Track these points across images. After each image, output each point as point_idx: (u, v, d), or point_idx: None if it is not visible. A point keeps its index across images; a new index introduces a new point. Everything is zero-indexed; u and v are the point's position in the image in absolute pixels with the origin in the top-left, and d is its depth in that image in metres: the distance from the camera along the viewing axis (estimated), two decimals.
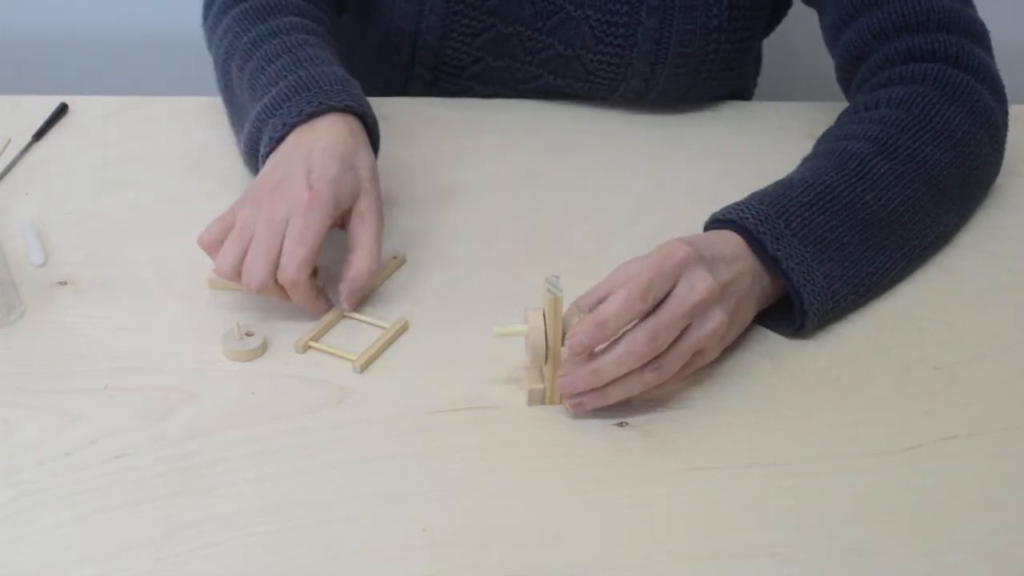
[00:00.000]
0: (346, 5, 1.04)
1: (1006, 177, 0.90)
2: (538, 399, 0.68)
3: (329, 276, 0.77)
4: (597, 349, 0.64)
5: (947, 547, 0.59)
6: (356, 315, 0.75)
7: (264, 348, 0.72)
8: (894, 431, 0.67)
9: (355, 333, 0.74)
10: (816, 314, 0.72)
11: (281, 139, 0.77)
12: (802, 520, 0.61)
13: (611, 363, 0.64)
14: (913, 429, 0.67)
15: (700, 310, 0.65)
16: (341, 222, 0.76)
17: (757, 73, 1.11)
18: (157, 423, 0.66)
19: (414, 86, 1.05)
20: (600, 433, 0.66)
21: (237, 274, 0.71)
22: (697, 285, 0.65)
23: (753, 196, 0.75)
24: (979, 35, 0.88)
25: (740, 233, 0.71)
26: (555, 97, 1.03)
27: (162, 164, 0.93)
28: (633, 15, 0.94)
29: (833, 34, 0.92)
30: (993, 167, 0.88)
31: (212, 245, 0.72)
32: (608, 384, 0.65)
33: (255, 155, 0.81)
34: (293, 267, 0.70)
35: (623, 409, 0.67)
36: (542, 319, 0.65)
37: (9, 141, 0.96)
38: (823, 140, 0.84)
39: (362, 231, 0.75)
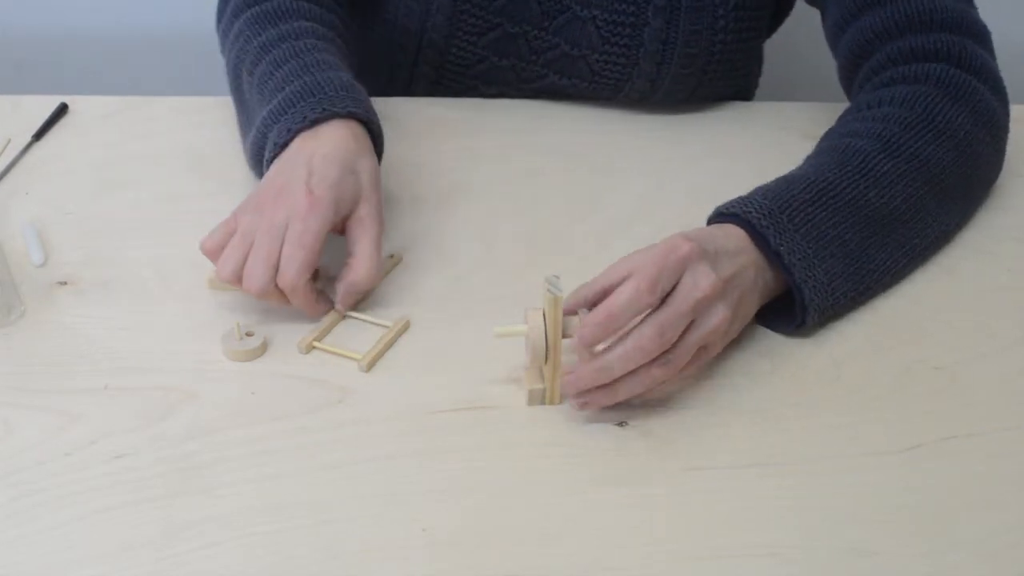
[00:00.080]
0: (352, 3, 1.04)
1: (1006, 177, 0.90)
2: (538, 399, 0.68)
3: (329, 278, 0.77)
4: (600, 347, 0.64)
5: (947, 547, 0.59)
6: (358, 315, 0.75)
7: (264, 348, 0.72)
8: (894, 431, 0.67)
9: (357, 333, 0.74)
10: (817, 310, 0.72)
11: (285, 144, 0.77)
12: (802, 520, 0.61)
13: (619, 359, 0.63)
14: (913, 429, 0.67)
15: (704, 306, 0.65)
16: (341, 228, 0.76)
17: (759, 73, 1.11)
18: (157, 423, 0.66)
19: (418, 84, 1.05)
20: (600, 433, 0.66)
21: (238, 279, 0.71)
22: (700, 281, 0.65)
23: (756, 191, 0.75)
24: (981, 35, 0.88)
25: (743, 227, 0.71)
26: (559, 97, 1.03)
27: (162, 164, 0.93)
28: (639, 15, 0.95)
29: (835, 33, 0.93)
30: (994, 167, 0.88)
31: (214, 251, 0.72)
32: (615, 381, 0.64)
33: (260, 160, 0.81)
34: (292, 272, 0.70)
35: (623, 409, 0.67)
36: (542, 319, 0.65)
37: (9, 141, 0.96)
38: (826, 138, 0.84)
39: (362, 236, 0.75)
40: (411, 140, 0.96)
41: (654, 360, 0.64)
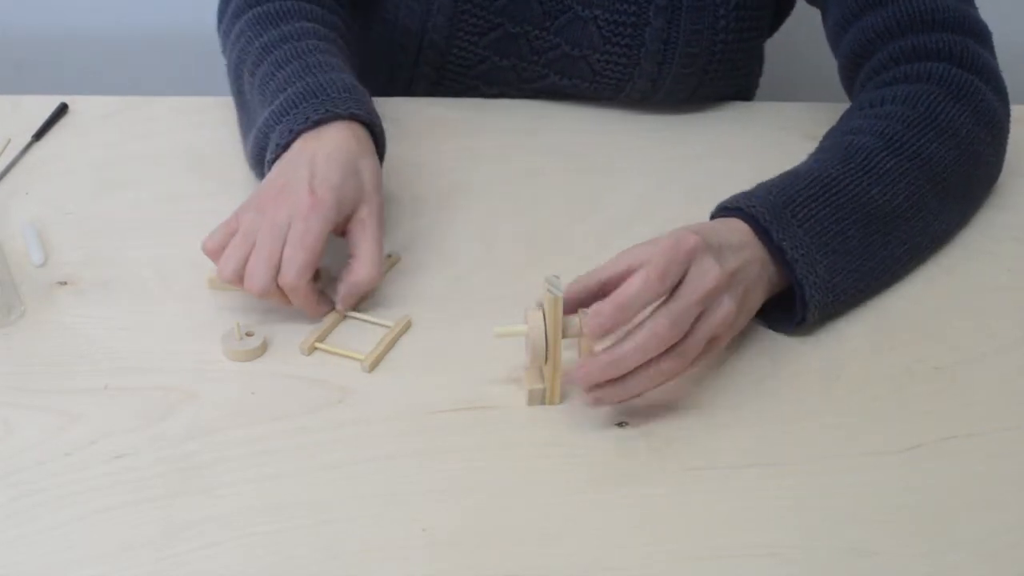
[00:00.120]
0: (353, 3, 1.04)
1: (1006, 177, 0.90)
2: (538, 399, 0.68)
3: (330, 278, 0.77)
4: (608, 341, 0.64)
5: (947, 547, 0.59)
6: (359, 315, 0.75)
7: (264, 348, 0.72)
8: (894, 431, 0.67)
9: (358, 333, 0.74)
10: (817, 307, 0.72)
11: (287, 146, 0.77)
12: (802, 520, 0.61)
13: (632, 351, 0.63)
14: (913, 429, 0.67)
15: (712, 298, 0.65)
16: (342, 229, 0.76)
17: (760, 73, 1.11)
18: (157, 423, 0.66)
19: (419, 84, 1.05)
20: (600, 433, 0.66)
21: (240, 279, 0.71)
22: (707, 273, 0.65)
23: (760, 186, 0.75)
24: (982, 35, 0.88)
25: (747, 221, 0.71)
26: (560, 97, 1.03)
27: (162, 164, 0.93)
28: (641, 15, 0.95)
29: (837, 33, 0.93)
30: (995, 167, 0.88)
31: (216, 251, 0.72)
32: (628, 375, 0.64)
33: (261, 161, 0.81)
34: (293, 272, 0.70)
35: (623, 409, 0.67)
36: (542, 319, 0.65)
37: (9, 141, 0.96)
38: (828, 136, 0.84)
39: (363, 238, 0.75)
40: (411, 140, 0.96)
41: (666, 353, 0.64)
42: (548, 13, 0.97)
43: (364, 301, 0.76)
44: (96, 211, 0.87)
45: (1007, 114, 0.87)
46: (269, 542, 0.59)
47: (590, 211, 0.88)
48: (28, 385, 0.69)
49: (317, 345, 0.72)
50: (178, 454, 0.64)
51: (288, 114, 0.78)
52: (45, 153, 0.95)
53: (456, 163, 0.94)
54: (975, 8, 0.90)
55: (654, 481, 0.63)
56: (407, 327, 0.74)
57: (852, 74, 0.92)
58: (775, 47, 1.10)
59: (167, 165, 0.93)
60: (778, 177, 0.76)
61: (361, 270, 0.74)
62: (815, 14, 0.97)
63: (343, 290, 0.74)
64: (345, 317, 0.75)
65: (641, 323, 0.63)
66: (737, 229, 0.71)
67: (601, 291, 0.66)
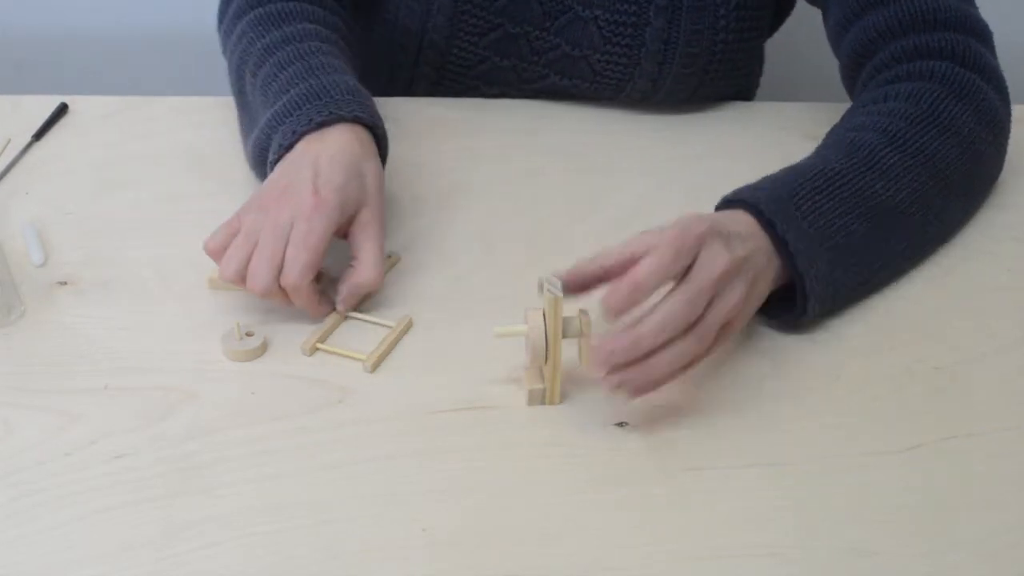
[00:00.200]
0: (354, 4, 1.04)
1: (1006, 177, 0.91)
2: (538, 399, 0.68)
3: (331, 279, 0.77)
4: (617, 351, 0.63)
5: (947, 547, 0.59)
6: (360, 316, 0.75)
7: (264, 348, 0.72)
8: (894, 431, 0.67)
9: (359, 334, 0.74)
10: (818, 300, 0.71)
11: (290, 147, 0.77)
12: (802, 520, 0.61)
13: (650, 330, 0.62)
14: (913, 429, 0.67)
15: (724, 282, 0.65)
16: (344, 231, 0.76)
17: (760, 73, 1.12)
18: (157, 423, 0.66)
19: (419, 84, 1.05)
20: (600, 433, 0.66)
21: (242, 279, 0.71)
22: (718, 258, 0.65)
23: (764, 179, 0.75)
24: (984, 35, 0.88)
25: (751, 213, 0.71)
26: (561, 97, 1.03)
27: (162, 164, 0.93)
28: (641, 15, 0.95)
29: (838, 33, 0.93)
30: (996, 166, 0.89)
31: (217, 251, 0.72)
32: (650, 357, 0.63)
33: (263, 161, 0.81)
34: (296, 272, 0.70)
35: (623, 409, 0.67)
36: (542, 319, 0.65)
37: (9, 141, 0.96)
38: (832, 133, 0.84)
39: (366, 240, 0.75)
40: (411, 140, 0.96)
41: (683, 335, 0.63)
42: (548, 13, 0.97)
43: (364, 301, 0.76)
44: (96, 211, 0.87)
45: (1008, 114, 0.87)
46: (269, 542, 0.59)
47: (590, 211, 0.88)
48: (28, 385, 0.69)
49: (319, 346, 0.72)
50: (178, 454, 0.64)
51: (291, 115, 0.78)
52: (45, 153, 0.95)
53: (456, 163, 0.94)
54: (976, 8, 0.90)
55: (654, 481, 0.63)
56: (408, 327, 0.74)
57: (854, 74, 0.92)
58: (775, 47, 1.10)
59: (167, 165, 0.93)
60: (782, 171, 0.76)
61: (364, 272, 0.74)
62: (815, 14, 0.97)
63: (344, 291, 0.74)
64: (346, 318, 0.75)
65: (656, 306, 0.63)
66: (743, 220, 0.70)
67: (604, 277, 0.65)
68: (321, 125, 0.77)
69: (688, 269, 0.64)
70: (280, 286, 0.71)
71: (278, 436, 0.66)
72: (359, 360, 0.71)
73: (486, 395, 0.69)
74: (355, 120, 0.78)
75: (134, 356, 0.72)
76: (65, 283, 0.78)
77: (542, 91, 1.03)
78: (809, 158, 0.79)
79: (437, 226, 0.86)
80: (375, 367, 0.71)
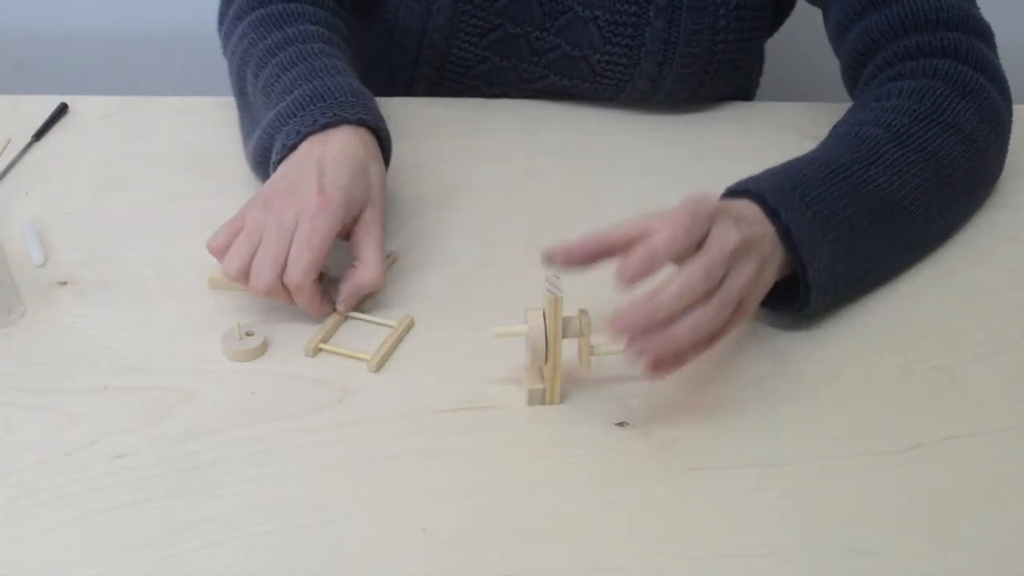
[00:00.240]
0: (354, 4, 1.04)
1: (1006, 177, 0.90)
2: (538, 399, 0.68)
3: (332, 279, 0.77)
4: (636, 314, 0.62)
5: (947, 547, 0.59)
6: (362, 316, 0.75)
7: (264, 348, 0.72)
8: (894, 431, 0.67)
9: (361, 334, 0.74)
10: (820, 291, 0.71)
11: (294, 147, 0.77)
12: (802, 520, 0.61)
13: (670, 296, 0.62)
14: (913, 429, 0.67)
15: (736, 257, 0.65)
16: (346, 231, 0.76)
17: (760, 73, 1.12)
18: (157, 423, 0.66)
19: (419, 84, 1.05)
20: (600, 433, 0.66)
21: (245, 276, 0.71)
22: (730, 234, 0.65)
23: (767, 171, 0.75)
24: (986, 35, 0.88)
25: (756, 202, 0.71)
26: (561, 97, 1.03)
27: (162, 164, 0.93)
28: (641, 15, 0.95)
29: (839, 33, 0.92)
30: (998, 165, 0.89)
31: (220, 250, 0.72)
32: (670, 327, 0.62)
33: (265, 161, 0.81)
34: (299, 271, 0.70)
35: (623, 409, 0.67)
36: (542, 319, 0.65)
37: (9, 141, 0.96)
38: (835, 128, 0.84)
39: (368, 242, 0.75)
40: (411, 140, 0.96)
41: (702, 302, 0.63)
42: (548, 14, 0.97)
43: (365, 302, 0.76)
44: (96, 211, 0.87)
45: (1010, 114, 0.87)
46: (269, 542, 0.59)
47: (590, 211, 0.88)
48: (28, 385, 0.69)
49: (322, 346, 0.72)
50: (178, 454, 0.64)
51: (295, 116, 0.78)
52: (45, 153, 0.95)
53: (456, 163, 0.94)
54: (977, 8, 0.90)
55: (654, 481, 0.63)
56: (410, 326, 0.74)
57: (855, 73, 0.92)
58: (775, 47, 1.10)
59: (167, 165, 0.93)
60: (784, 163, 0.76)
61: (366, 273, 0.74)
62: (815, 14, 0.97)
63: (346, 291, 0.74)
64: (347, 318, 0.75)
65: (671, 277, 0.62)
66: (748, 207, 0.70)
67: (611, 252, 0.65)
68: (325, 126, 0.77)
69: (699, 246, 0.64)
70: (283, 285, 0.71)
71: (278, 436, 0.66)
72: (363, 360, 0.71)
73: (486, 395, 0.69)
74: (359, 122, 0.78)
75: (134, 356, 0.72)
76: (65, 283, 0.78)
77: (542, 91, 1.03)
78: (812, 151, 0.79)
79: (437, 226, 0.86)
80: (379, 367, 0.71)
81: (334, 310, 0.75)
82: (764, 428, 0.67)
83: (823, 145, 0.81)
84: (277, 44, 0.85)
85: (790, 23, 1.05)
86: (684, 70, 0.97)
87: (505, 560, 0.58)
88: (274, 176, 0.76)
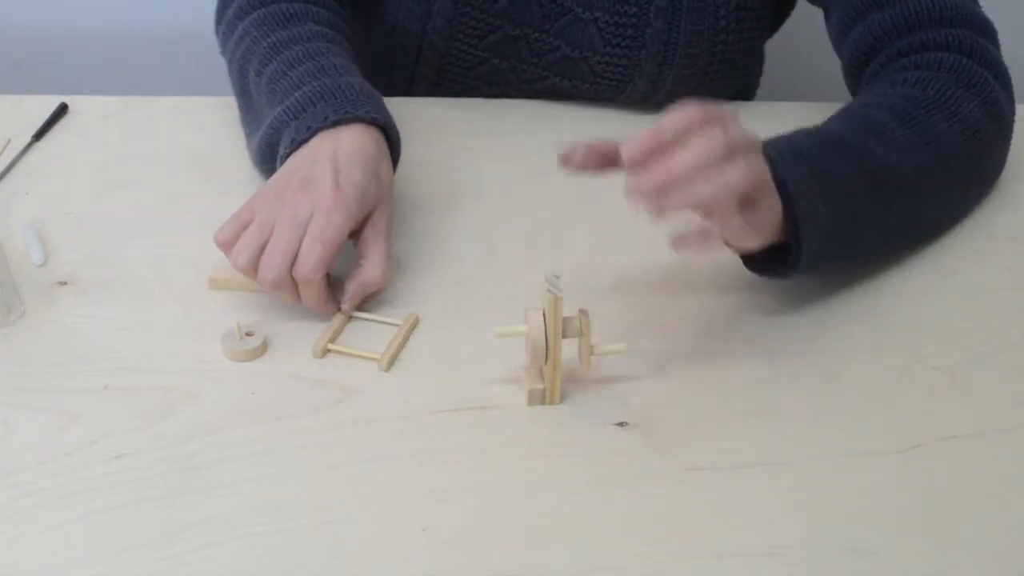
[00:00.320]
0: (354, 4, 1.04)
1: (1007, 176, 0.90)
2: (538, 399, 0.68)
3: (334, 280, 0.77)
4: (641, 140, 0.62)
5: (947, 547, 0.59)
6: (366, 315, 0.75)
7: (264, 348, 0.72)
8: (894, 431, 0.67)
9: (364, 334, 0.74)
10: (811, 253, 0.70)
11: (303, 141, 0.77)
12: (802, 520, 0.61)
13: (686, 154, 0.60)
14: (913, 429, 0.67)
15: (742, 145, 0.63)
16: (356, 229, 0.75)
17: (760, 73, 1.12)
18: (157, 423, 0.66)
19: (419, 85, 1.05)
20: (600, 433, 0.66)
21: (253, 268, 0.71)
22: (738, 126, 0.63)
23: (769, 139, 0.73)
24: (989, 32, 0.88)
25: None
26: (561, 98, 1.03)
27: (162, 164, 0.93)
28: (641, 16, 0.95)
29: (842, 31, 0.92)
30: (999, 161, 0.89)
31: (228, 243, 0.72)
32: (674, 154, 0.61)
33: (271, 156, 0.81)
34: (310, 264, 0.70)
35: (623, 409, 0.67)
36: (542, 319, 0.65)
37: (9, 141, 0.96)
38: (840, 110, 0.83)
39: (375, 241, 0.75)
40: (411, 140, 0.95)
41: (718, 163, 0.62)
42: (548, 15, 0.97)
43: (367, 302, 0.76)
44: (96, 211, 0.87)
45: (1012, 111, 0.88)
46: (269, 542, 0.59)
47: (590, 211, 0.88)
48: (28, 385, 0.69)
49: (330, 347, 0.72)
50: (178, 454, 0.64)
51: (304, 112, 0.78)
52: (45, 153, 0.95)
53: (456, 163, 0.94)
54: (979, 7, 0.90)
55: (654, 481, 0.63)
56: (415, 324, 0.74)
57: (857, 72, 0.92)
58: (775, 47, 1.10)
59: (167, 165, 0.93)
60: (784, 134, 0.75)
61: (372, 271, 0.74)
62: (815, 14, 0.97)
63: (352, 290, 0.74)
64: (351, 318, 0.75)
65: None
66: None
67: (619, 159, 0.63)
68: (336, 123, 0.77)
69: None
70: (291, 279, 0.71)
71: (278, 436, 0.66)
72: (372, 360, 0.71)
73: (486, 395, 0.69)
74: (371, 121, 0.78)
75: (134, 356, 0.72)
76: (65, 283, 0.78)
77: (542, 92, 1.03)
78: (813, 126, 0.79)
79: (437, 226, 0.86)
80: (389, 365, 0.71)
81: (338, 309, 0.75)
82: (764, 428, 0.67)
83: (825, 122, 0.80)
84: (281, 42, 0.85)
85: (790, 23, 1.05)
86: (684, 71, 0.97)
87: (505, 560, 0.58)
88: (284, 168, 0.76)
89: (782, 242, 0.70)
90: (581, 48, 0.98)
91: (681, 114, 0.62)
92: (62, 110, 1.01)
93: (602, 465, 0.64)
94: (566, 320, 0.65)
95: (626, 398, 0.68)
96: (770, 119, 1.02)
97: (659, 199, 0.61)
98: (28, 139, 0.96)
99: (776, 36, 1.07)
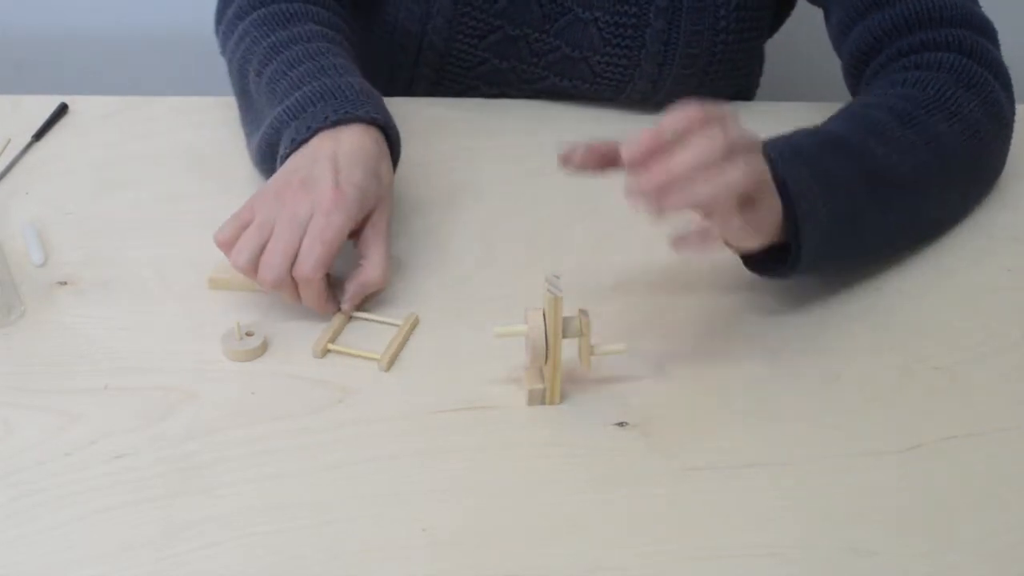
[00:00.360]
0: (354, 4, 1.04)
1: (1007, 177, 0.91)
2: (538, 399, 0.68)
3: (333, 281, 0.77)
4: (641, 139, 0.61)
5: (947, 547, 0.59)
6: (366, 315, 0.75)
7: (264, 348, 0.72)
8: (894, 431, 0.67)
9: (364, 334, 0.74)
10: (811, 253, 0.70)
11: (304, 141, 0.77)
12: (802, 520, 0.61)
13: (680, 158, 0.60)
14: (913, 429, 0.67)
15: (742, 145, 0.63)
16: (356, 229, 0.76)
17: (760, 73, 1.12)
18: (157, 423, 0.66)
19: (419, 85, 1.05)
20: (600, 433, 0.66)
21: (253, 268, 0.71)
22: (738, 126, 0.63)
23: (768, 139, 0.73)
24: (989, 32, 0.88)
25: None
26: (561, 98, 1.03)
27: (162, 164, 0.93)
28: (641, 16, 0.95)
29: (842, 31, 0.92)
30: (999, 161, 0.89)
31: (228, 242, 0.72)
32: (673, 154, 0.61)
33: (271, 156, 0.81)
34: (310, 264, 0.70)
35: (623, 409, 0.67)
36: (542, 319, 0.65)
37: (9, 141, 0.96)
38: (840, 110, 0.83)
39: (375, 241, 0.75)
40: (411, 140, 0.95)
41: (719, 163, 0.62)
42: (548, 15, 0.97)
43: (367, 302, 0.76)
44: (96, 211, 0.87)
45: (1012, 112, 0.88)
46: (269, 542, 0.59)
47: (590, 211, 0.88)
48: (28, 385, 0.69)
49: (331, 347, 0.72)
50: (178, 454, 0.64)
51: (305, 111, 0.78)
52: (45, 153, 0.95)
53: (456, 163, 0.94)
54: (980, 7, 0.90)
55: (654, 481, 0.63)
56: (415, 324, 0.74)
57: (858, 72, 0.92)
58: (775, 47, 1.10)
59: (167, 165, 0.93)
60: (784, 135, 0.75)
61: (372, 271, 0.74)
62: (815, 14, 0.97)
63: (351, 290, 0.74)
64: (351, 318, 0.75)
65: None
66: None
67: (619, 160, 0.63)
68: (337, 123, 0.77)
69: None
70: (291, 279, 0.71)
71: (278, 436, 0.66)
72: (372, 360, 0.71)
73: (486, 395, 0.69)
74: (371, 121, 0.78)
75: (134, 356, 0.72)
76: (65, 283, 0.78)
77: (542, 92, 1.03)
78: (813, 126, 0.79)
79: (437, 226, 0.86)
80: (390, 365, 0.71)
81: (338, 309, 0.75)
82: (764, 428, 0.67)
83: (824, 122, 0.80)
84: (281, 42, 0.85)
85: (790, 23, 1.05)
86: (684, 71, 0.97)
87: (505, 560, 0.58)
88: (284, 169, 0.76)
89: (782, 242, 0.71)
90: (581, 48, 0.98)
91: (681, 114, 0.62)
92: (62, 110, 1.01)
93: (602, 465, 0.64)
94: (566, 320, 0.65)
95: (626, 398, 0.68)
96: (770, 119, 1.02)
97: (659, 199, 0.61)
98: (28, 139, 0.96)
99: (776, 36, 1.07)
